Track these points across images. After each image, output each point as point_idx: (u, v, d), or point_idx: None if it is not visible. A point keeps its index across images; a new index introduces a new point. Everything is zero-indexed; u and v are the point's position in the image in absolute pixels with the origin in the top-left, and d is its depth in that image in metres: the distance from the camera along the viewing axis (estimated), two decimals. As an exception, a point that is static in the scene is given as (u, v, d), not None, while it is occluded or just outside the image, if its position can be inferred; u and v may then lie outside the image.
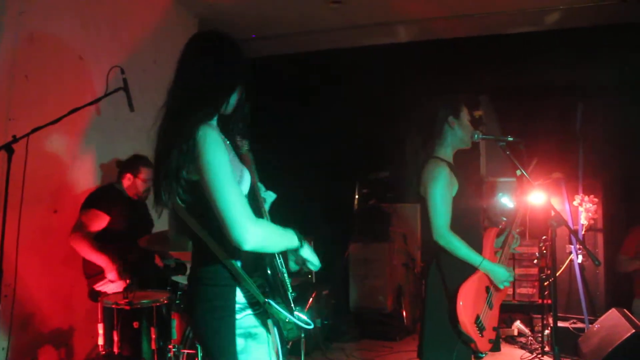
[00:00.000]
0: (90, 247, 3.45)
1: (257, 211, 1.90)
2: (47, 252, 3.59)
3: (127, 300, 3.06)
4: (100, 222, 3.58)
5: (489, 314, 2.70)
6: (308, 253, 1.91)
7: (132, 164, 3.77)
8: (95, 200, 3.65)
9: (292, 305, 1.87)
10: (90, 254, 3.47)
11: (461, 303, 2.56)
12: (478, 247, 2.75)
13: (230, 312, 1.78)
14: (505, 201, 5.73)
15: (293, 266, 1.95)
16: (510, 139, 2.81)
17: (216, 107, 1.85)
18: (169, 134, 1.77)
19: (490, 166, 6.32)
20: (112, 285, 3.50)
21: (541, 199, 3.99)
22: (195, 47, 1.88)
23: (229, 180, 1.68)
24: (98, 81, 3.27)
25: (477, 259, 2.65)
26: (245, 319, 1.80)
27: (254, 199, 1.90)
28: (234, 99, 1.89)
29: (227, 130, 1.95)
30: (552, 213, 2.69)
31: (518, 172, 2.78)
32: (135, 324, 3.07)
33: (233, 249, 1.71)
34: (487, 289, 2.72)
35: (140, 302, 3.11)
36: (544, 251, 5.04)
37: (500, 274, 2.69)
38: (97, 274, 3.57)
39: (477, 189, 4.85)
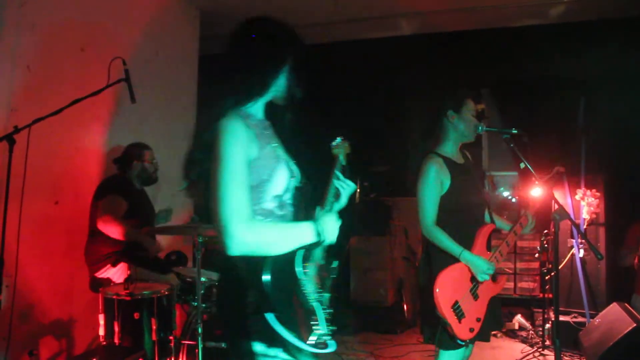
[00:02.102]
0: (122, 228, 3.44)
1: (300, 212, 1.88)
2: (48, 243, 3.59)
3: (128, 291, 3.07)
4: (121, 206, 3.57)
5: (473, 304, 2.73)
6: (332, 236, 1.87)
7: (132, 151, 3.82)
8: (111, 187, 3.66)
9: (318, 325, 1.82)
10: (122, 234, 3.46)
11: (437, 290, 2.65)
12: (471, 241, 2.79)
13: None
14: (508, 195, 5.73)
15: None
16: (515, 131, 2.81)
17: (247, 95, 1.75)
18: (201, 123, 1.74)
19: (493, 160, 6.30)
20: (113, 270, 3.51)
21: (543, 192, 3.97)
22: (233, 38, 1.81)
23: (231, 177, 1.57)
24: (100, 72, 3.26)
25: (457, 250, 2.73)
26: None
27: (300, 200, 1.90)
28: (277, 86, 1.82)
29: (278, 120, 1.94)
30: (555, 206, 2.68)
31: (522, 165, 2.78)
32: (136, 315, 3.08)
33: None
34: (472, 280, 2.76)
35: (141, 293, 3.12)
36: (546, 245, 5.03)
37: (479, 265, 2.72)
38: (99, 261, 3.57)
39: (478, 183, 4.83)
